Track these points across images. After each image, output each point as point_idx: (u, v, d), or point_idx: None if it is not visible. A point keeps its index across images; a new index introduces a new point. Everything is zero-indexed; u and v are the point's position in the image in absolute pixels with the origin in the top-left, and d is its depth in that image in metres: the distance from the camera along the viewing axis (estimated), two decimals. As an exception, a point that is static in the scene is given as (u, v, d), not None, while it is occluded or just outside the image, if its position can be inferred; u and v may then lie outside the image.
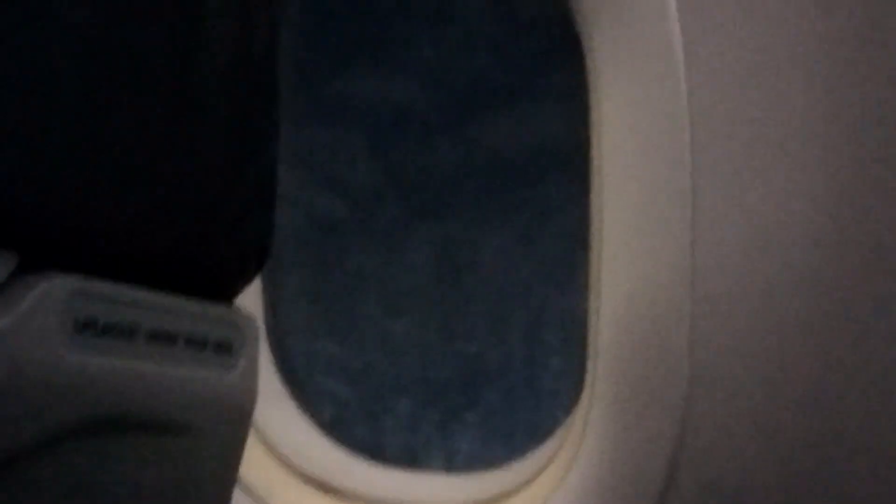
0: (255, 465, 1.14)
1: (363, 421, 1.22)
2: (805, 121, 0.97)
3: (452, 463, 1.18)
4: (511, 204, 1.19)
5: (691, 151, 0.97)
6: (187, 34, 0.61)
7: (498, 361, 1.19)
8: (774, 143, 0.97)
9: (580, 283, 1.04)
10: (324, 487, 1.16)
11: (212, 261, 0.64)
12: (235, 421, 0.65)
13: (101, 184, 0.55)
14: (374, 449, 1.19)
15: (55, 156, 0.53)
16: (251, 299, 1.15)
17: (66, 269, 0.54)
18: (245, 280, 0.68)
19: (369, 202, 1.23)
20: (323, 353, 1.23)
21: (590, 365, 1.01)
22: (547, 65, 1.13)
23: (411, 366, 1.21)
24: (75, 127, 0.54)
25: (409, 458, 1.19)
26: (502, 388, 1.18)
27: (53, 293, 0.53)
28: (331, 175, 1.24)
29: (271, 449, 1.16)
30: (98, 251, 0.56)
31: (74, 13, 0.54)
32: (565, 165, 1.11)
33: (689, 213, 0.97)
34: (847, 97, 0.97)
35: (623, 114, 0.99)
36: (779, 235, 0.97)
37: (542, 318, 1.17)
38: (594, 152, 1.01)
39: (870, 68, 0.96)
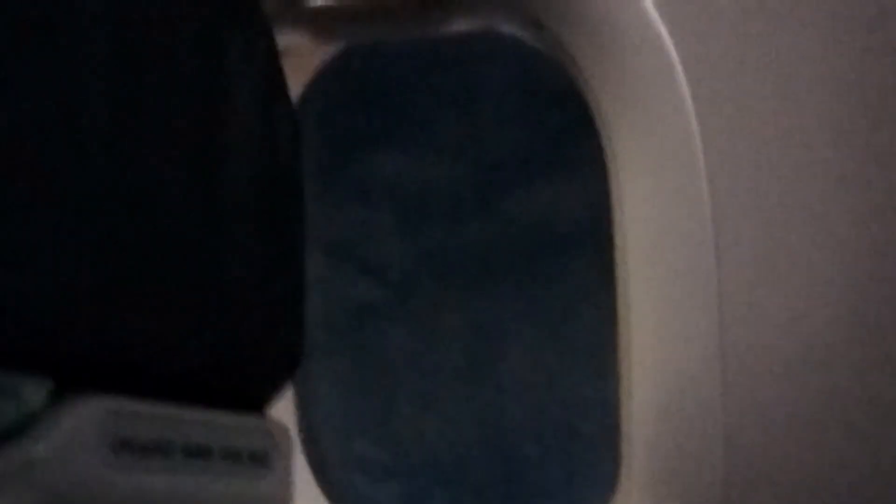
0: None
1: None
2: (826, 195, 0.98)
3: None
4: (542, 280, 1.20)
5: (714, 229, 0.98)
6: (211, 147, 0.63)
7: (534, 454, 1.19)
8: (797, 216, 0.98)
9: (611, 368, 1.05)
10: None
11: (243, 372, 0.65)
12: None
13: (131, 303, 0.57)
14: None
15: (84, 278, 0.55)
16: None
17: (100, 389, 0.55)
18: (277, 388, 0.70)
19: (403, 285, 1.24)
20: (357, 452, 1.24)
21: (624, 453, 1.01)
22: (575, 138, 1.15)
23: (447, 462, 1.22)
24: (104, 248, 0.55)
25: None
26: (539, 482, 1.18)
27: (90, 415, 0.54)
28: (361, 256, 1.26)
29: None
30: (131, 370, 0.57)
31: (100, 132, 0.56)
32: (594, 239, 1.12)
33: (715, 292, 0.98)
34: (874, 168, 0.98)
35: (643, 193, 1.01)
36: (807, 312, 0.97)
37: (575, 406, 1.18)
38: (616, 233, 1.03)
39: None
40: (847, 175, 0.99)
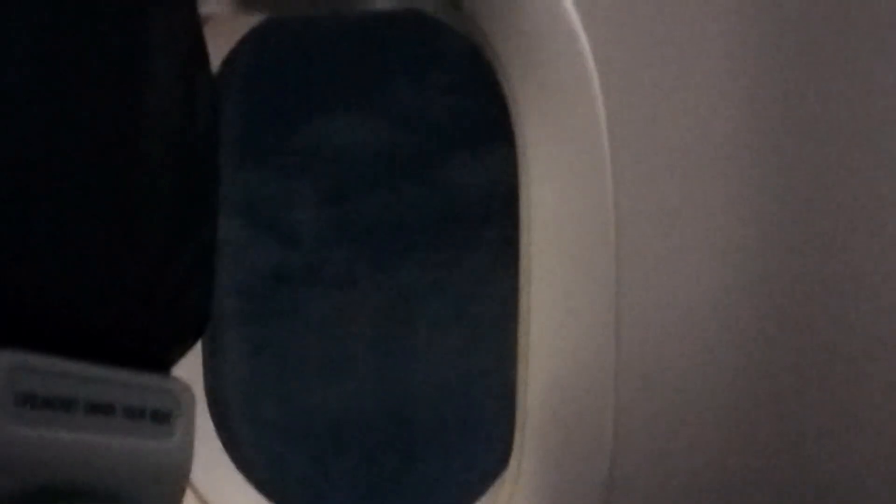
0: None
1: (301, 482, 1.25)
2: (728, 191, 1.02)
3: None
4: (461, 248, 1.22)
5: (615, 216, 1.01)
6: (130, 109, 0.65)
7: (432, 424, 1.23)
8: (698, 209, 1.02)
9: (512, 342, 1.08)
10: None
11: (149, 332, 0.68)
12: (172, 488, 0.68)
13: (38, 257, 0.59)
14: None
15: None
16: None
17: (4, 343, 0.57)
18: (183, 349, 0.72)
19: (318, 251, 1.27)
20: (262, 415, 1.26)
21: (518, 430, 1.05)
22: (488, 118, 1.17)
23: (349, 429, 1.25)
24: (11, 201, 0.57)
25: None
26: (436, 452, 1.22)
27: None
28: (278, 223, 1.28)
29: (210, 510, 1.19)
30: (36, 325, 0.59)
31: (20, 83, 0.58)
32: (504, 217, 1.15)
33: (612, 279, 1.01)
34: (778, 164, 1.02)
35: (547, 177, 1.04)
36: (702, 302, 1.01)
37: (476, 380, 1.21)
38: (521, 213, 1.06)
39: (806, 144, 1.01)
40: (750, 174, 1.03)
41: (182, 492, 0.70)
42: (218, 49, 1.17)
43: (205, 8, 1.06)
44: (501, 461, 1.10)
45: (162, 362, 0.70)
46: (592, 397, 1.01)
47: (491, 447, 1.16)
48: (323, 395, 1.25)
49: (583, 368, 1.02)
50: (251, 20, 1.18)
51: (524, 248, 1.06)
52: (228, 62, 1.21)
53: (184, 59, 0.72)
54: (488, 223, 1.18)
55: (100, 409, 0.63)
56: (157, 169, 0.68)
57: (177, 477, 0.69)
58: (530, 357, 1.03)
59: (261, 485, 1.22)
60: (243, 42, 1.21)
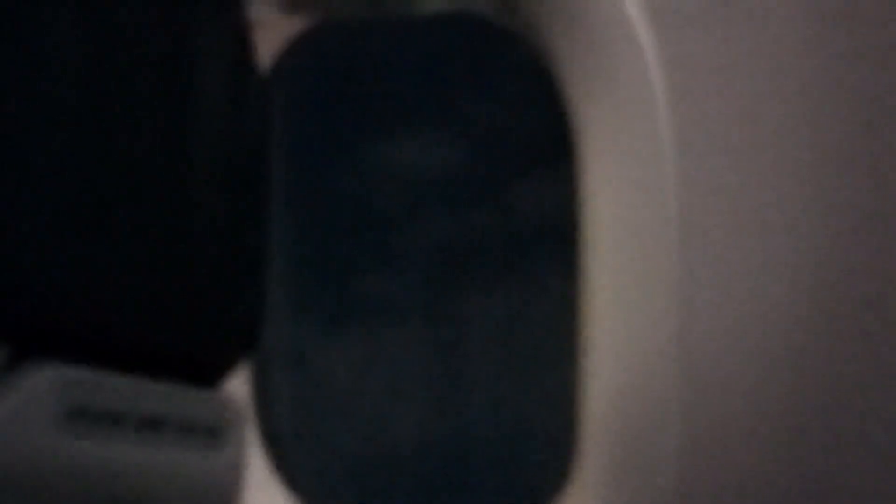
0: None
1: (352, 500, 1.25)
2: (794, 195, 1.01)
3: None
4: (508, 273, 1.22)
5: (679, 226, 1.01)
6: (179, 118, 0.65)
7: (491, 444, 1.22)
8: (765, 216, 1.01)
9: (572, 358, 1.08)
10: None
11: (199, 347, 0.67)
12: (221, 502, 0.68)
13: (91, 273, 0.59)
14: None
15: (44, 247, 0.57)
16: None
17: (57, 358, 0.58)
18: (232, 365, 0.72)
19: (373, 277, 1.26)
20: (314, 439, 1.26)
21: (581, 447, 1.04)
22: (546, 127, 1.17)
23: (405, 450, 1.25)
24: (66, 218, 0.57)
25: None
26: (494, 472, 1.21)
27: (45, 383, 0.57)
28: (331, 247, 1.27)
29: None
30: (88, 340, 0.59)
31: (71, 106, 0.58)
32: (560, 231, 1.15)
33: (676, 290, 1.00)
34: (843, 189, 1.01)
35: (609, 185, 1.03)
36: (768, 312, 1.01)
37: (533, 400, 1.21)
38: (582, 225, 1.05)
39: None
40: (817, 175, 1.02)
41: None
42: (267, 53, 1.17)
43: (254, 10, 1.06)
44: (562, 481, 1.09)
45: (212, 377, 0.70)
46: (657, 416, 1.00)
47: (550, 467, 1.15)
48: (378, 420, 1.25)
49: (647, 382, 1.01)
50: (299, 23, 1.18)
51: (585, 260, 1.05)
52: (277, 66, 1.21)
53: (232, 65, 0.72)
54: (550, 247, 1.18)
55: (149, 423, 0.62)
56: (206, 179, 0.68)
57: (228, 493, 0.69)
58: (593, 372, 1.02)
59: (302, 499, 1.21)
60: (293, 46, 1.21)
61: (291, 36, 1.19)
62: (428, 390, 1.24)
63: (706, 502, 1.01)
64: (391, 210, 1.24)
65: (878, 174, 1.02)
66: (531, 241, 1.20)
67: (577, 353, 1.07)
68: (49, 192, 0.57)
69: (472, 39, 1.19)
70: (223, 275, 0.69)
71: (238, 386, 1.16)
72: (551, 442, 1.18)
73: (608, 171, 1.04)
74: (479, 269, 1.22)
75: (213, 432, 0.68)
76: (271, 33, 1.18)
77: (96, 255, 0.59)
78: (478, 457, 1.21)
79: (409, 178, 1.24)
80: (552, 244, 1.17)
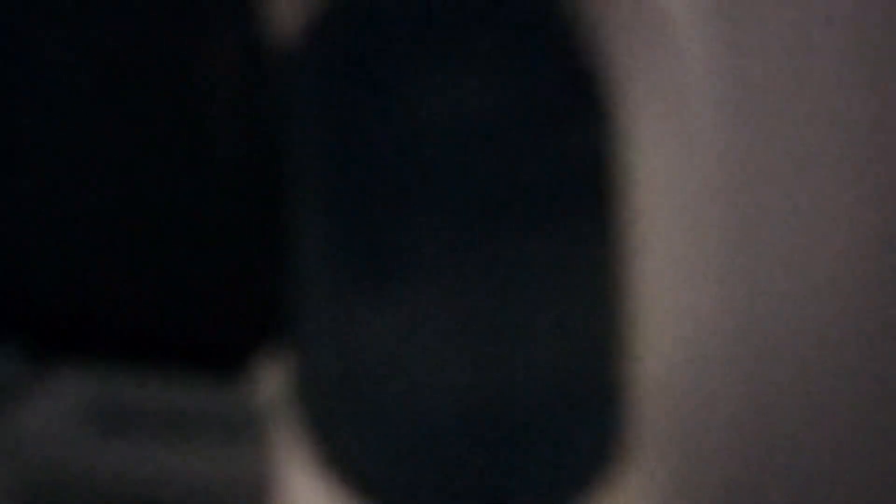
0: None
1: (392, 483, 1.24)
2: (843, 189, 1.00)
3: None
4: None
5: (729, 199, 0.99)
6: (192, 101, 0.64)
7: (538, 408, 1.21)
8: (820, 202, 1.00)
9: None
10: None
11: (226, 340, 0.67)
12: (253, 497, 0.68)
13: (109, 269, 0.58)
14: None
15: (58, 243, 0.56)
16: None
17: (77, 356, 0.57)
18: (259, 352, 0.71)
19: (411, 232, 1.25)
20: (349, 416, 1.26)
21: (635, 413, 1.04)
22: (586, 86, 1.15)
23: (447, 419, 1.24)
24: (80, 215, 0.57)
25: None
26: (542, 442, 1.20)
27: (67, 382, 0.56)
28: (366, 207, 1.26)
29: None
30: (109, 337, 0.59)
31: (79, 104, 0.57)
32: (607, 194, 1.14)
33: (728, 263, 0.99)
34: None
35: (654, 140, 1.02)
36: (825, 296, 0.99)
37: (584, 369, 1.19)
38: (629, 195, 1.04)
39: None
40: (868, 166, 1.00)
41: (266, 501, 0.69)
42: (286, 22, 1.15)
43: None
44: (609, 468, 1.08)
45: (237, 369, 0.70)
46: (712, 392, 0.99)
47: (599, 450, 1.14)
48: (420, 391, 1.24)
49: (701, 356, 1.00)
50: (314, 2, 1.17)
51: (634, 220, 1.04)
52: (300, 40, 1.20)
53: (248, 45, 0.71)
54: (596, 199, 1.16)
55: (177, 419, 0.62)
56: (217, 163, 0.67)
57: (257, 486, 0.68)
58: (644, 344, 1.01)
59: (345, 486, 1.21)
60: (311, 20, 1.20)
61: (312, 8, 1.18)
62: (471, 355, 1.23)
63: (763, 490, 1.00)
64: (427, 162, 1.23)
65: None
66: (577, 192, 1.18)
67: (627, 316, 1.06)
68: (61, 189, 0.56)
69: (504, 8, 1.17)
70: (244, 267, 0.68)
71: (271, 375, 1.16)
72: (603, 414, 1.17)
73: (651, 127, 1.03)
74: (522, 219, 1.20)
75: (243, 426, 0.67)
76: (288, 8, 1.17)
77: (111, 249, 0.59)
78: (524, 428, 1.20)
79: (446, 126, 1.23)
80: (598, 196, 1.15)
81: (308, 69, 1.15)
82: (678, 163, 1.02)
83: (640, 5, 1.02)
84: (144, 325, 0.61)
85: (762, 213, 1.01)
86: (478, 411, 1.20)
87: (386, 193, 1.16)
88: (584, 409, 1.15)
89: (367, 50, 1.19)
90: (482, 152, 1.16)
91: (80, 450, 0.56)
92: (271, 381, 0.86)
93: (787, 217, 1.01)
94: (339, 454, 1.14)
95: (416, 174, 1.15)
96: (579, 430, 1.16)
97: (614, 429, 1.09)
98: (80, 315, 0.57)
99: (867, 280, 1.01)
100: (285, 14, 1.06)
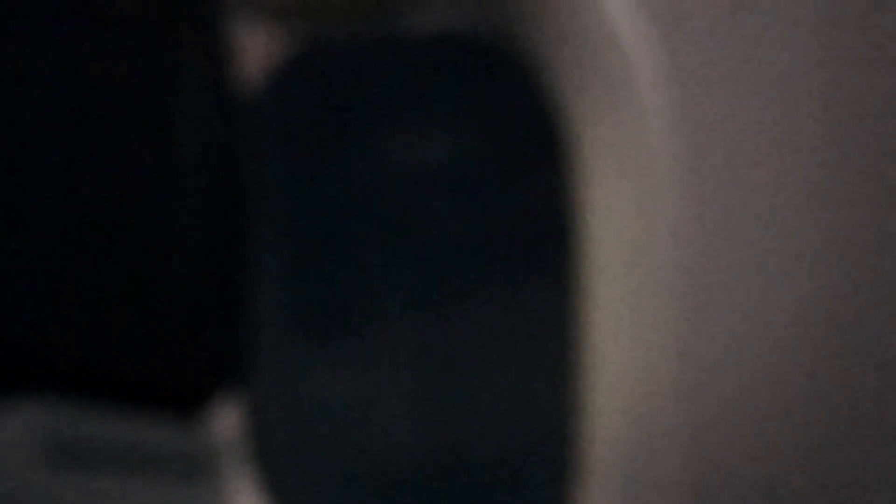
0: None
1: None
2: (795, 214, 1.01)
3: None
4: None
5: (681, 237, 1.01)
6: (159, 140, 0.65)
7: (487, 470, 1.22)
8: (767, 228, 1.01)
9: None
10: None
11: (183, 378, 0.67)
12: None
13: (68, 304, 0.59)
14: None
15: (16, 281, 0.57)
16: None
17: (35, 391, 0.57)
18: (219, 395, 0.72)
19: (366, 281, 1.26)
20: (303, 458, 1.26)
21: (584, 466, 1.04)
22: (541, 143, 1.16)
23: (399, 463, 1.24)
24: (40, 251, 0.57)
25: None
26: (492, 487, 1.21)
27: (24, 417, 0.56)
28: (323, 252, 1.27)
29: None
30: (68, 372, 0.59)
31: (45, 131, 0.58)
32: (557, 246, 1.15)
33: (679, 299, 1.00)
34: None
35: (606, 198, 1.03)
36: (769, 322, 1.01)
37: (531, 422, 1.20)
38: (580, 239, 1.05)
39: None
40: (824, 185, 1.02)
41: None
42: (252, 74, 1.17)
43: (239, 32, 1.06)
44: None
45: (199, 409, 0.70)
46: (662, 433, 1.00)
47: (547, 493, 1.15)
48: (372, 437, 1.25)
49: (651, 398, 1.01)
50: (285, 44, 1.18)
51: (587, 271, 1.05)
52: (267, 88, 1.21)
53: (216, 85, 0.72)
54: (549, 252, 1.18)
55: (133, 457, 0.62)
56: (187, 200, 0.68)
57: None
58: (596, 386, 1.02)
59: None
60: (279, 67, 1.21)
61: (278, 55, 1.20)
62: (423, 403, 1.23)
63: None
64: (385, 215, 1.24)
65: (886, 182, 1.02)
66: (530, 246, 1.19)
67: (578, 365, 1.07)
68: (23, 221, 0.57)
69: (466, 59, 1.19)
70: (203, 304, 0.69)
71: (227, 414, 1.16)
72: (551, 459, 1.18)
73: (606, 181, 1.04)
74: (476, 274, 1.21)
75: (200, 464, 0.67)
76: (258, 55, 1.18)
77: (72, 286, 0.59)
78: (474, 472, 1.21)
79: (401, 181, 1.24)
80: (552, 249, 1.16)
81: (271, 120, 1.17)
82: (634, 214, 1.03)
83: (596, 54, 1.03)
84: (100, 360, 0.62)
85: (717, 263, 1.03)
86: (428, 465, 1.20)
87: (343, 248, 1.17)
88: (535, 464, 1.15)
89: (327, 104, 1.20)
90: (439, 208, 1.17)
91: (34, 485, 0.56)
92: (229, 421, 0.87)
93: (741, 269, 1.02)
94: (291, 500, 1.14)
95: (373, 230, 1.16)
96: (530, 485, 1.16)
97: (564, 483, 1.09)
98: (41, 351, 0.57)
99: (821, 334, 1.02)
100: (252, 59, 1.07)
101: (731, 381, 1.01)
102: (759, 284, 1.01)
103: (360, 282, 1.32)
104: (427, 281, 1.28)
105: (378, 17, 1.12)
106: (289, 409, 1.25)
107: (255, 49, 1.16)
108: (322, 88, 1.28)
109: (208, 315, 0.69)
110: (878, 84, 1.01)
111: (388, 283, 1.30)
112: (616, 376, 1.03)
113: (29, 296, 0.57)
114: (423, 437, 1.22)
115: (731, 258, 1.02)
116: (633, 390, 1.02)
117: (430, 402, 1.26)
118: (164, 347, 0.66)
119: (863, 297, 1.01)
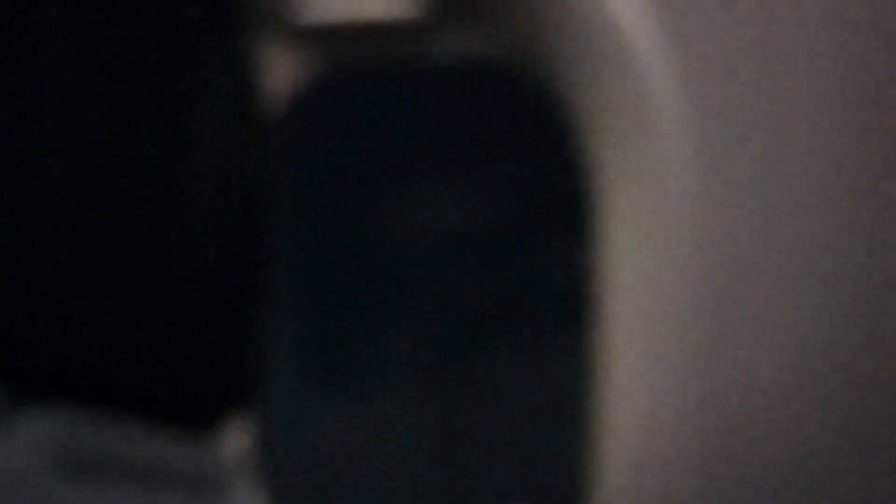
0: None
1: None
2: (819, 244, 1.01)
3: None
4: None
5: (702, 296, 1.01)
6: (178, 162, 0.66)
7: None
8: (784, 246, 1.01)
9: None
10: None
11: (197, 395, 0.68)
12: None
13: (86, 320, 0.59)
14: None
15: (36, 293, 0.57)
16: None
17: (50, 405, 0.58)
18: (232, 413, 0.72)
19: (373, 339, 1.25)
20: (314, 486, 1.26)
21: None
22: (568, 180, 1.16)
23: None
24: (59, 267, 0.58)
25: None
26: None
27: (38, 430, 0.57)
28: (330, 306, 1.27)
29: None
30: (84, 385, 0.60)
31: (68, 147, 0.59)
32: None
33: (695, 360, 1.00)
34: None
35: (625, 228, 1.03)
36: (788, 356, 1.00)
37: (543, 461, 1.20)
38: (603, 291, 1.05)
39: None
40: (846, 202, 1.01)
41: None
42: (274, 97, 1.17)
43: (262, 56, 1.07)
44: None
45: (207, 424, 0.70)
46: (673, 485, 1.00)
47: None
48: (373, 487, 1.24)
49: (663, 452, 1.01)
50: (309, 68, 1.18)
51: (605, 329, 1.05)
52: (285, 116, 1.21)
53: (238, 108, 0.72)
54: (567, 311, 1.17)
55: (147, 471, 0.63)
56: (203, 220, 0.68)
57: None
58: (607, 443, 1.02)
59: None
60: (302, 91, 1.21)
61: (299, 81, 1.20)
62: (428, 462, 1.23)
63: None
64: (402, 268, 1.23)
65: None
66: (548, 306, 1.19)
67: (591, 421, 1.07)
68: (43, 232, 0.57)
69: (490, 88, 1.19)
70: (219, 321, 0.69)
71: (240, 432, 1.16)
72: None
73: (630, 232, 1.04)
74: (491, 332, 1.21)
75: (214, 480, 0.68)
76: (281, 78, 1.18)
77: (89, 298, 0.60)
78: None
79: (423, 235, 1.23)
80: (570, 309, 1.16)
81: (291, 143, 1.17)
82: (652, 269, 1.03)
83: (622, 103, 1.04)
84: (115, 375, 0.62)
85: (731, 294, 1.02)
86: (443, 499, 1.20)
87: (356, 296, 1.17)
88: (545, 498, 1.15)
89: (348, 129, 1.21)
90: (453, 264, 1.17)
91: (46, 496, 0.57)
92: (241, 439, 0.87)
93: (754, 294, 1.02)
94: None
95: (387, 281, 1.17)
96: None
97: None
98: (59, 364, 0.58)
99: (836, 351, 1.02)
100: (276, 78, 1.08)
101: (750, 399, 1.01)
102: (778, 302, 1.01)
103: (370, 335, 1.31)
104: (438, 337, 1.27)
105: (401, 42, 1.12)
106: (299, 440, 1.25)
107: (280, 69, 1.16)
108: (342, 112, 1.27)
109: (224, 333, 0.70)
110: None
111: (401, 336, 1.30)
112: (629, 432, 1.03)
113: (47, 311, 0.58)
114: (434, 478, 1.22)
115: (748, 277, 1.01)
116: (647, 446, 1.02)
117: (442, 446, 1.25)
118: (180, 364, 0.66)
119: (891, 302, 1.00)
